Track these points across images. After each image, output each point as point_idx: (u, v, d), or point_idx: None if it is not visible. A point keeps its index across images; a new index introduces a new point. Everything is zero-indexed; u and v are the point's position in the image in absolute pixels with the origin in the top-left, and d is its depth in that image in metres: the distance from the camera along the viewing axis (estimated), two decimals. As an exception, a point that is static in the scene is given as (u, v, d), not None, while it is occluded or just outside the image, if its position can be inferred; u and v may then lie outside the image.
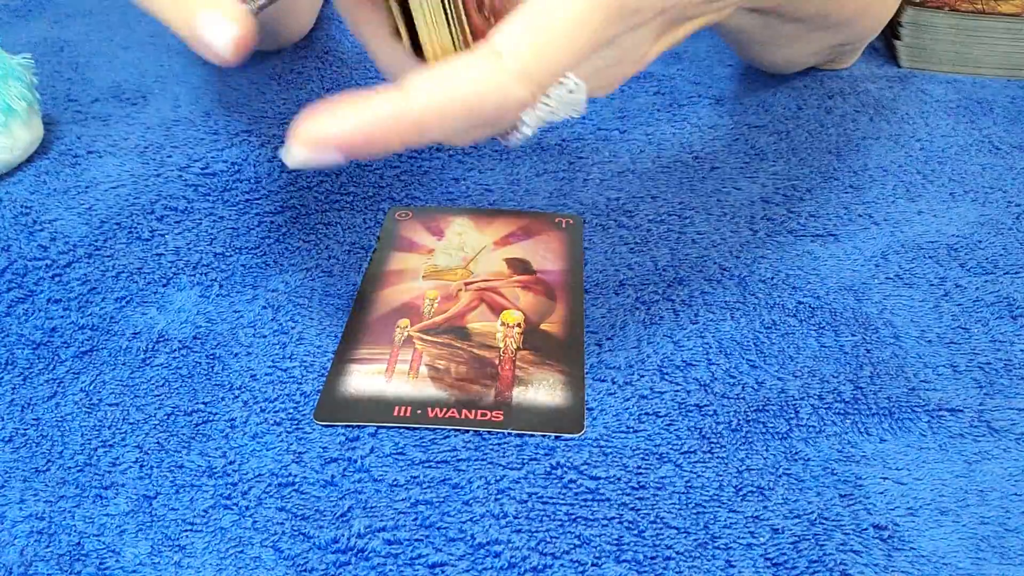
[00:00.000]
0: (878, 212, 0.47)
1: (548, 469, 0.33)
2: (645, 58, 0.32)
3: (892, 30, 0.61)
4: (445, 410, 0.35)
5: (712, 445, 0.34)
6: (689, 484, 0.32)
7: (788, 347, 0.38)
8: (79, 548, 0.31)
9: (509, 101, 0.28)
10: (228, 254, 0.44)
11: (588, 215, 0.46)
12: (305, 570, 0.30)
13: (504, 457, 0.33)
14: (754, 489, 0.32)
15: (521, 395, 0.36)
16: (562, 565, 0.30)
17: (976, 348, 0.38)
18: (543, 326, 0.39)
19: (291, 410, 0.36)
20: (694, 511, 0.31)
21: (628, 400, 0.36)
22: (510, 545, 0.30)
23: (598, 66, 0.31)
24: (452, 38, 0.29)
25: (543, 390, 0.36)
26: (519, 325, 0.39)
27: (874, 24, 0.55)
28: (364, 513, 0.31)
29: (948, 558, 0.30)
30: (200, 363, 0.38)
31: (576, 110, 0.31)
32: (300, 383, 0.37)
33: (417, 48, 0.30)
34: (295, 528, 0.31)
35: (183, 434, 0.35)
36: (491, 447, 0.34)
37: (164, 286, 0.42)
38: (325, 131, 0.26)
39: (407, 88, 0.27)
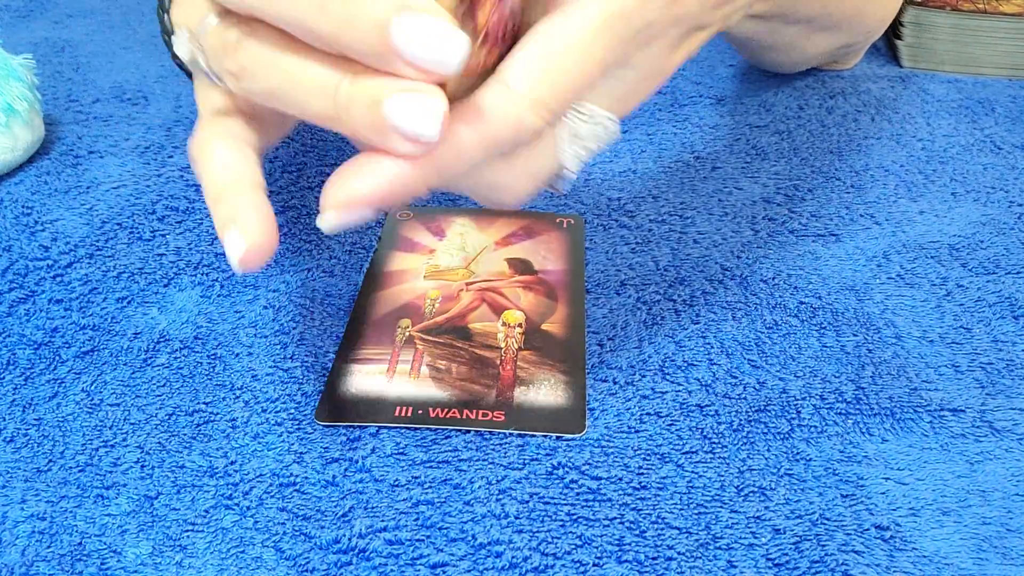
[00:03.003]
0: (880, 212, 0.47)
1: (549, 469, 0.33)
2: (665, 72, 0.32)
3: (893, 30, 0.61)
4: (446, 410, 0.35)
5: (714, 445, 0.34)
6: (691, 484, 0.32)
7: (790, 347, 0.38)
8: (80, 548, 0.31)
9: (523, 130, 0.27)
10: (229, 254, 0.44)
11: (589, 215, 0.46)
12: (306, 570, 0.30)
13: (505, 457, 0.33)
14: (756, 489, 0.32)
15: (522, 395, 0.36)
16: (563, 565, 0.30)
17: (978, 348, 0.38)
18: (544, 326, 0.39)
19: (292, 410, 0.36)
20: (695, 511, 0.31)
21: (629, 400, 0.36)
22: (511, 545, 0.30)
23: (618, 87, 0.30)
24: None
25: (544, 390, 0.36)
26: (520, 325, 0.39)
27: (877, 23, 0.55)
28: (365, 513, 0.31)
29: (950, 558, 0.30)
30: (201, 363, 0.38)
31: (612, 140, 0.31)
32: (301, 383, 0.37)
33: None
34: (296, 528, 0.31)
35: (184, 434, 0.35)
36: (492, 447, 0.34)
37: (165, 286, 0.42)
38: (353, 193, 0.26)
39: None
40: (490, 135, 0.27)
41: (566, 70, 0.27)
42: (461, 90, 0.27)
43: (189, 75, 0.51)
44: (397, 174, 0.26)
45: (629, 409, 0.35)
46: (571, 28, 0.27)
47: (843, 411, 0.35)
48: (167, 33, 0.53)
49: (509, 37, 0.28)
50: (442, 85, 0.25)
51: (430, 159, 0.26)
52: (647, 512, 0.31)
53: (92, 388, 0.37)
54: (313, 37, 0.25)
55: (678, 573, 0.29)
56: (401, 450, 0.34)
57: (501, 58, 0.28)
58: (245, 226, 0.28)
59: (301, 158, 0.51)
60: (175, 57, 0.52)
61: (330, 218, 0.27)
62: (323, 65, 0.26)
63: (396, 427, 0.35)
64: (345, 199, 0.26)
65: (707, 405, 0.36)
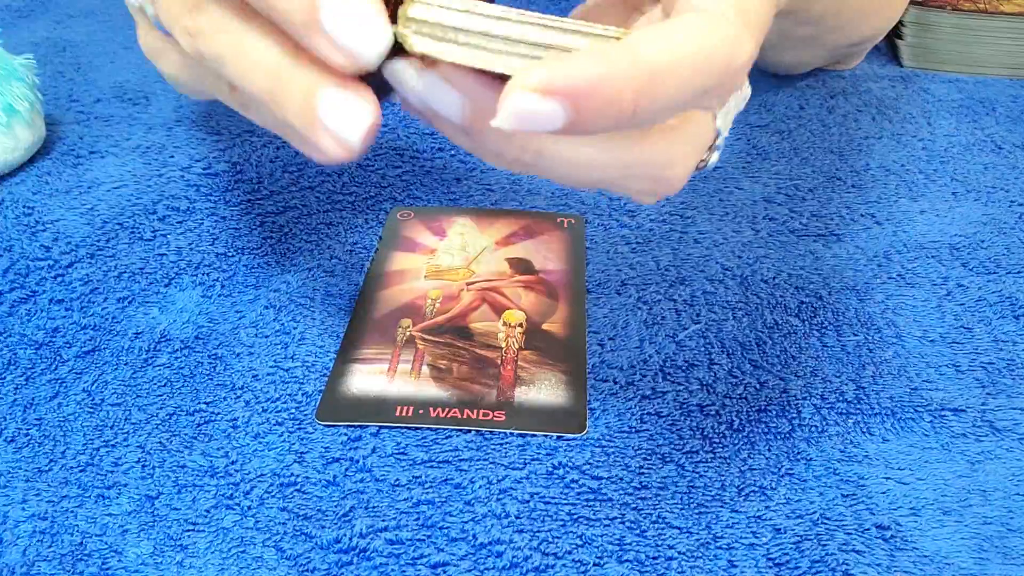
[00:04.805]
0: (880, 212, 0.47)
1: (550, 469, 0.33)
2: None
3: (895, 29, 0.61)
4: (447, 410, 0.35)
5: (714, 445, 0.34)
6: (691, 484, 0.32)
7: (790, 347, 0.38)
8: (81, 548, 0.31)
9: (737, 55, 0.24)
10: (230, 254, 0.44)
11: (590, 215, 0.46)
12: (307, 570, 0.30)
13: (506, 457, 0.33)
14: (756, 489, 0.32)
15: (523, 395, 0.36)
16: (564, 565, 0.30)
17: (979, 348, 0.38)
18: (545, 326, 0.39)
19: (293, 410, 0.36)
20: (696, 511, 0.31)
21: (630, 400, 0.36)
22: (512, 545, 0.30)
23: None
24: None
25: (545, 390, 0.36)
26: (521, 325, 0.39)
27: (885, 21, 0.55)
28: (366, 513, 0.31)
29: (951, 558, 0.30)
30: (202, 363, 0.38)
31: (743, 105, 0.29)
32: (302, 383, 0.37)
33: None
34: (297, 528, 0.31)
35: (185, 434, 0.35)
36: (493, 447, 0.34)
37: (166, 286, 0.42)
38: (559, 76, 0.22)
39: (634, 43, 0.23)
40: (706, 60, 0.23)
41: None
42: None
43: None
44: (607, 71, 0.22)
45: (630, 409, 0.35)
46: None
47: (844, 411, 0.35)
48: None
49: None
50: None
51: (644, 67, 0.22)
52: (648, 512, 0.31)
53: (93, 388, 0.37)
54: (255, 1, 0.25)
55: (679, 573, 0.29)
56: (402, 450, 0.34)
57: None
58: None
59: (301, 158, 0.51)
60: None
61: (520, 103, 0.22)
62: (273, 43, 0.26)
63: (397, 427, 0.35)
64: (547, 83, 0.22)
65: (708, 405, 0.36)
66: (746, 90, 0.29)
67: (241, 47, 0.26)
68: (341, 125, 0.24)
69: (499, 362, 0.37)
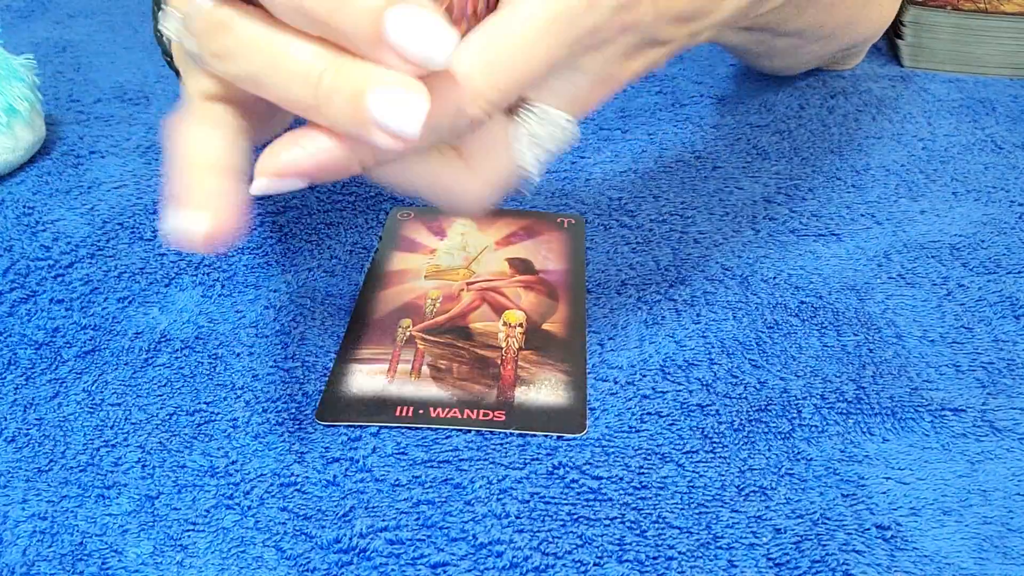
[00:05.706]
0: (880, 212, 0.47)
1: (550, 469, 0.33)
2: (619, 80, 0.32)
3: (894, 29, 0.61)
4: (447, 410, 0.35)
5: (714, 445, 0.34)
6: (691, 484, 0.32)
7: (790, 347, 0.38)
8: (81, 548, 0.31)
9: (460, 117, 0.27)
10: (230, 254, 0.44)
11: (590, 215, 0.46)
12: (307, 570, 0.30)
13: (506, 457, 0.33)
14: (756, 489, 0.32)
15: (523, 395, 0.36)
16: (564, 565, 0.30)
17: (979, 348, 0.38)
18: (545, 326, 0.39)
19: (293, 410, 0.36)
20: (696, 511, 0.31)
21: (630, 400, 0.36)
22: (512, 545, 0.30)
23: (568, 90, 0.30)
24: None
25: (545, 390, 0.36)
26: (521, 325, 0.39)
27: (872, 30, 0.55)
28: (366, 513, 0.31)
29: (951, 558, 0.30)
30: (202, 363, 0.38)
31: (572, 143, 0.31)
32: (302, 383, 0.37)
33: None
34: (297, 528, 0.31)
35: (185, 434, 0.35)
36: (493, 447, 0.34)
37: (166, 286, 0.42)
38: (284, 163, 0.27)
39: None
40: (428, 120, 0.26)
41: (509, 65, 0.27)
42: None
43: (178, 73, 0.51)
44: (329, 149, 0.26)
45: (630, 409, 0.35)
46: (515, 24, 0.27)
47: (844, 411, 0.35)
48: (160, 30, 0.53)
49: (483, 13, 0.28)
50: None
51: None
52: (648, 512, 0.31)
53: (93, 388, 0.37)
54: (305, 18, 0.25)
55: (679, 573, 0.29)
56: (402, 450, 0.34)
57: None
58: (213, 212, 0.27)
59: (302, 158, 0.51)
60: (166, 55, 0.52)
61: (260, 184, 0.27)
62: (308, 53, 0.26)
63: (397, 427, 0.35)
64: (276, 168, 0.27)
65: (708, 405, 0.36)
66: (570, 131, 0.31)
67: (273, 62, 0.26)
68: (397, 122, 0.25)
69: (499, 362, 0.37)
